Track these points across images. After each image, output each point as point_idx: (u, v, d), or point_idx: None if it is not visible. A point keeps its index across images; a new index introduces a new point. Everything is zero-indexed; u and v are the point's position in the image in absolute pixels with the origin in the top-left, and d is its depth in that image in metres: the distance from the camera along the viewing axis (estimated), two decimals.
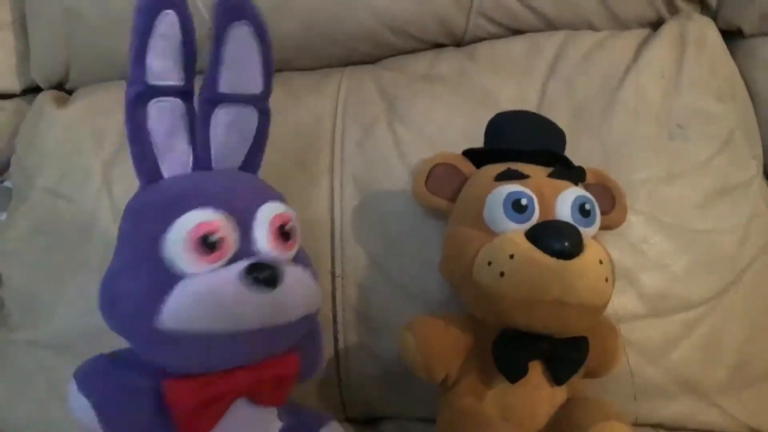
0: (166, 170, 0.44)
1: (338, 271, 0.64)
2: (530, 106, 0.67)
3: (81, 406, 0.41)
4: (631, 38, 0.70)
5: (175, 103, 0.43)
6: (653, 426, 0.61)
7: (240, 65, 0.44)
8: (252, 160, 0.49)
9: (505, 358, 0.47)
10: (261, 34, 0.44)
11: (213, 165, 0.46)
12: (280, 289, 0.40)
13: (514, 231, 0.47)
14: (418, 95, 0.69)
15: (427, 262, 0.60)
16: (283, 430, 0.47)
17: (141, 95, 0.41)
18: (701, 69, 0.66)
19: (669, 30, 0.68)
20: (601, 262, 0.45)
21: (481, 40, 0.74)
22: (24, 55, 0.82)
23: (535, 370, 0.48)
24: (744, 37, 0.71)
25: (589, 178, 0.55)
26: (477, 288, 0.47)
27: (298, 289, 0.42)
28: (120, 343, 0.45)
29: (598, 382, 0.55)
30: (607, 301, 0.47)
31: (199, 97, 0.45)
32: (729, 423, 0.61)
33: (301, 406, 0.51)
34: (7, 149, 0.80)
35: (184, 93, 0.43)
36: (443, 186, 0.54)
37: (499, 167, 0.51)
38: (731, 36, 0.71)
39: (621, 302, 0.60)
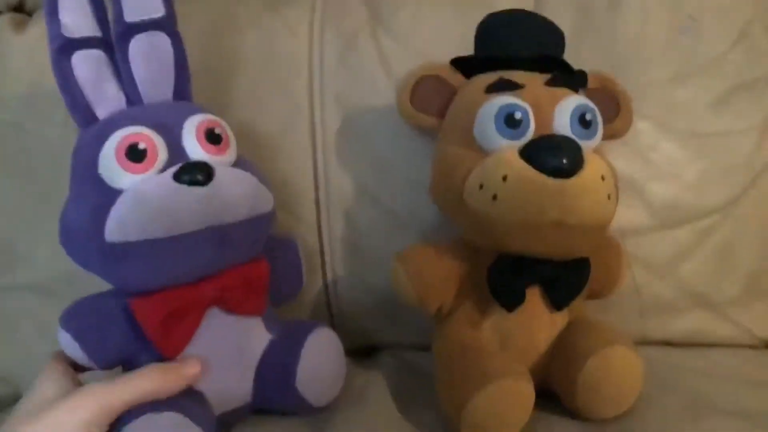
0: (101, 114, 0.47)
1: (323, 200, 0.62)
2: (527, 4, 0.61)
3: (66, 341, 0.44)
4: None
5: (95, 53, 0.47)
6: (662, 343, 0.60)
7: None
8: (181, 88, 0.50)
9: (501, 286, 0.45)
10: None
11: (144, 100, 0.48)
12: (213, 185, 0.42)
13: (508, 148, 0.43)
14: (404, 1, 0.63)
15: (418, 185, 0.56)
16: (273, 341, 0.49)
17: (61, 48, 0.45)
18: None
19: None
20: (603, 178, 0.42)
21: None
22: None
23: (534, 295, 0.47)
24: None
25: (592, 83, 0.52)
26: (469, 213, 0.44)
27: (234, 186, 0.44)
28: (99, 281, 0.45)
29: (602, 300, 0.53)
30: (610, 219, 0.45)
31: (114, 36, 0.47)
32: (742, 335, 0.60)
33: (292, 319, 0.53)
34: None
35: (103, 42, 0.47)
36: (430, 101, 0.50)
37: (491, 77, 0.47)
38: None
39: (627, 216, 0.58)
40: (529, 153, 0.41)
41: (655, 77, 0.59)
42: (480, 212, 0.43)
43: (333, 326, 0.61)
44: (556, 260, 0.45)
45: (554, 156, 0.40)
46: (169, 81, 0.49)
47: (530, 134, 0.44)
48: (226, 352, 0.47)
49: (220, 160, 0.45)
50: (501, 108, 0.44)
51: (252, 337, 0.49)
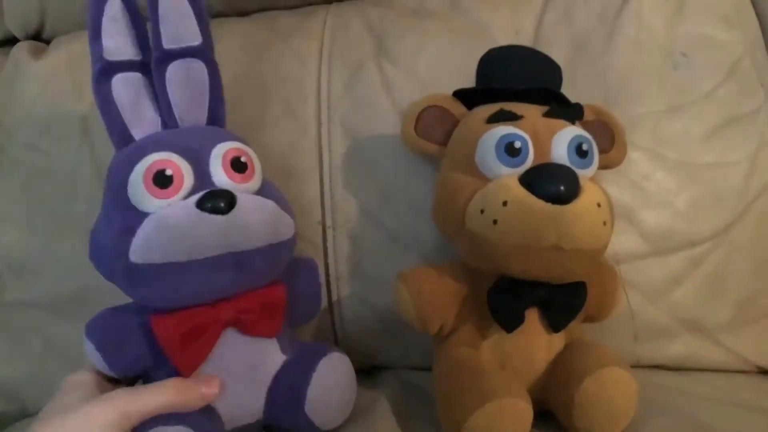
0: (137, 135, 0.48)
1: (329, 222, 0.63)
2: (526, 39, 0.64)
3: (89, 350, 0.45)
4: None
5: (134, 76, 0.48)
6: (655, 367, 0.60)
7: (175, 20, 0.48)
8: (215, 113, 0.51)
9: (500, 308, 0.46)
10: None
11: (178, 124, 0.49)
12: (234, 213, 0.43)
13: (508, 176, 0.45)
14: (408, 32, 0.66)
15: (421, 208, 0.58)
16: (287, 362, 0.50)
17: (102, 71, 0.47)
18: None
19: None
20: (599, 205, 0.43)
21: None
22: None
23: (532, 317, 0.48)
24: None
25: (588, 115, 0.53)
26: (470, 236, 0.46)
27: (255, 214, 0.45)
28: (109, 299, 0.47)
29: (597, 324, 0.54)
30: (606, 245, 0.46)
31: (152, 61, 0.48)
32: (733, 360, 0.60)
33: (308, 341, 0.53)
34: None
35: (142, 66, 0.49)
36: (433, 130, 0.52)
37: (492, 108, 0.49)
38: None
39: (621, 242, 0.59)
40: (528, 180, 0.43)
41: (648, 109, 0.61)
42: (480, 236, 0.44)
43: (337, 345, 0.62)
44: (553, 283, 0.46)
45: (552, 183, 0.42)
46: (203, 106, 0.50)
47: (529, 163, 0.46)
48: (239, 370, 0.47)
49: (244, 187, 0.46)
50: (501, 137, 0.46)
51: (266, 357, 0.49)
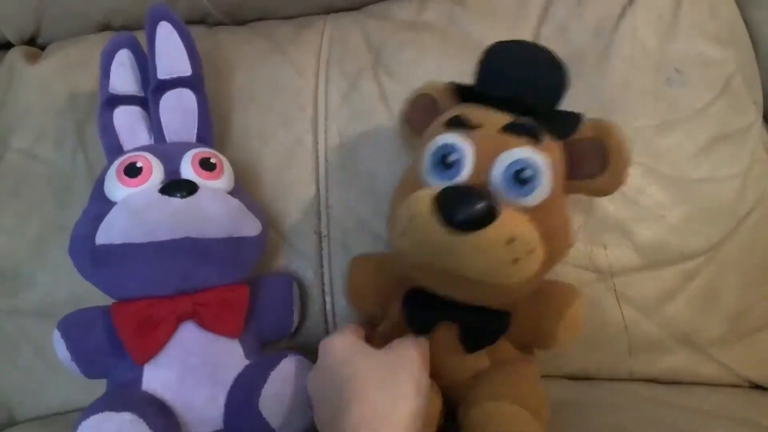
0: None
1: (324, 231, 0.64)
2: None
3: (56, 339, 0.49)
4: None
5: (134, 109, 0.56)
6: (648, 380, 0.60)
7: (169, 55, 0.54)
8: (202, 137, 0.57)
9: (411, 313, 0.47)
10: (179, 29, 0.55)
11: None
12: (192, 199, 0.46)
13: (432, 189, 0.41)
14: (406, 45, 0.66)
15: None
16: (248, 366, 0.51)
17: (107, 101, 0.55)
18: (700, 11, 0.62)
19: None
20: (510, 241, 0.39)
21: None
22: None
23: (450, 332, 0.46)
24: None
25: (586, 132, 0.45)
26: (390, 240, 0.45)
27: (214, 205, 0.48)
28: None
29: (591, 337, 0.55)
30: (518, 282, 0.41)
31: (149, 91, 0.55)
32: (725, 375, 0.59)
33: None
34: None
35: (141, 100, 0.56)
36: (421, 121, 0.50)
37: (456, 110, 0.45)
38: None
39: (616, 255, 0.59)
40: (438, 199, 0.40)
41: (642, 124, 0.60)
42: (392, 243, 0.44)
43: None
44: (475, 304, 0.45)
45: (456, 209, 0.39)
46: (192, 131, 0.56)
47: (464, 178, 0.42)
48: (197, 366, 0.48)
49: (211, 183, 0.50)
50: (439, 147, 0.43)
51: (227, 358, 0.50)
